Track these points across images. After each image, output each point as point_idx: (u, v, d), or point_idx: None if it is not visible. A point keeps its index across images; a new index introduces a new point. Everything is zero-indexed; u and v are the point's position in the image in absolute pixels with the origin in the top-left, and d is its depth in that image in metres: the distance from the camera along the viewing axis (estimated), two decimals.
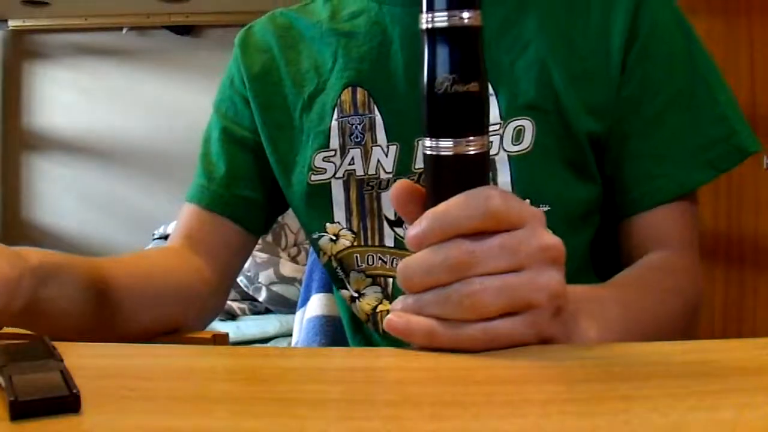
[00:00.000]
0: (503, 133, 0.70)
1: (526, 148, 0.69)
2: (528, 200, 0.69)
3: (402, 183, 0.48)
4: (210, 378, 0.43)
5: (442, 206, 0.45)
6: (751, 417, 0.34)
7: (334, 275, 0.79)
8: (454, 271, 0.44)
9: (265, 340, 1.93)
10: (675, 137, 0.71)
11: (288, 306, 2.15)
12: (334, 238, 0.76)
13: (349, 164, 0.74)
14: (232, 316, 2.09)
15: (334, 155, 0.75)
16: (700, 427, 0.33)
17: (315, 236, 0.78)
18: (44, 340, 0.42)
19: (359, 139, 0.74)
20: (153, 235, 2.43)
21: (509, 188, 0.69)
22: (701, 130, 0.71)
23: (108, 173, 2.72)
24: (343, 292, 0.79)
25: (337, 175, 0.75)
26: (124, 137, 2.70)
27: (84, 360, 0.44)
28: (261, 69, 0.81)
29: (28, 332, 0.53)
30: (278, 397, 0.40)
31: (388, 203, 0.73)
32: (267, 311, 2.20)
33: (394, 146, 0.73)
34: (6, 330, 0.52)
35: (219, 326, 2.01)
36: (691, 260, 0.71)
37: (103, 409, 0.36)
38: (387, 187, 0.73)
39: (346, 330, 0.86)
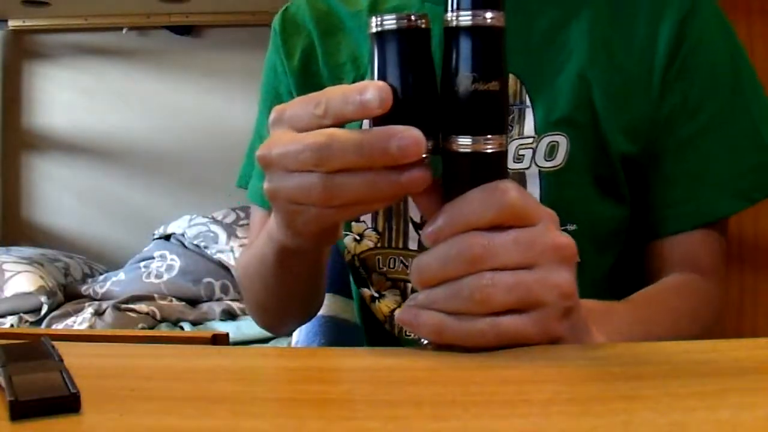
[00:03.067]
0: (536, 147, 0.68)
1: (558, 165, 0.67)
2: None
3: (418, 175, 0.48)
4: (210, 378, 0.43)
5: (458, 201, 0.45)
6: (751, 417, 0.34)
7: (357, 274, 0.78)
8: (467, 264, 0.44)
9: (265, 340, 1.93)
10: (708, 162, 0.68)
11: None
12: (358, 238, 0.75)
13: None
14: (232, 316, 2.08)
15: None
16: (700, 427, 0.33)
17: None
18: (44, 340, 0.42)
19: None
20: (153, 235, 2.43)
21: None
22: (737, 157, 0.69)
23: (108, 173, 2.72)
24: (364, 290, 0.78)
25: None
26: (124, 137, 2.70)
27: (84, 360, 0.44)
28: (301, 58, 0.77)
29: (28, 332, 0.53)
30: (278, 397, 0.40)
31: (415, 205, 0.72)
32: None
33: None
34: (6, 330, 0.52)
35: (219, 326, 2.01)
36: (712, 286, 0.69)
37: (103, 409, 0.36)
38: None
39: (363, 328, 0.85)
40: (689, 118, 0.68)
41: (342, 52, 0.75)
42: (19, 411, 0.34)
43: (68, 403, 0.35)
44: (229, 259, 2.16)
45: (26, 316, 2.03)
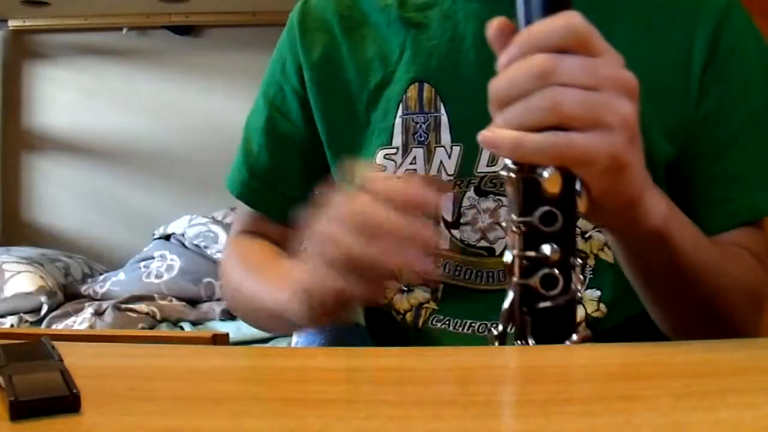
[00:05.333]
0: None
1: None
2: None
3: (498, 21, 0.51)
4: (210, 378, 0.43)
5: (528, 28, 0.48)
6: (751, 417, 0.34)
7: None
8: (535, 78, 0.46)
9: (265, 340, 1.93)
10: (747, 162, 0.70)
11: None
12: None
13: (411, 164, 0.72)
14: (232, 316, 2.08)
15: (396, 153, 0.73)
16: (700, 427, 0.33)
17: None
18: (44, 340, 0.42)
19: (423, 139, 0.72)
20: (153, 235, 2.42)
21: None
22: None
23: (108, 173, 2.71)
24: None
25: (397, 174, 0.73)
26: (124, 137, 2.70)
27: (84, 360, 0.44)
28: (322, 53, 0.76)
29: (28, 332, 0.53)
30: (278, 397, 0.40)
31: (447, 205, 0.72)
32: None
33: (458, 147, 0.71)
34: (6, 330, 0.52)
35: (219, 326, 2.01)
36: (759, 265, 0.69)
37: (103, 409, 0.36)
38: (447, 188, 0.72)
39: (365, 322, 0.84)
40: (726, 120, 0.69)
41: (368, 47, 0.75)
42: (19, 411, 0.34)
43: (68, 403, 0.35)
44: None
45: (26, 316, 2.02)
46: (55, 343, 0.42)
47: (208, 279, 2.17)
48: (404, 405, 0.37)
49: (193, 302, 2.14)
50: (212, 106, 2.59)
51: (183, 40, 2.65)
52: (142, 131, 2.69)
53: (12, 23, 2.65)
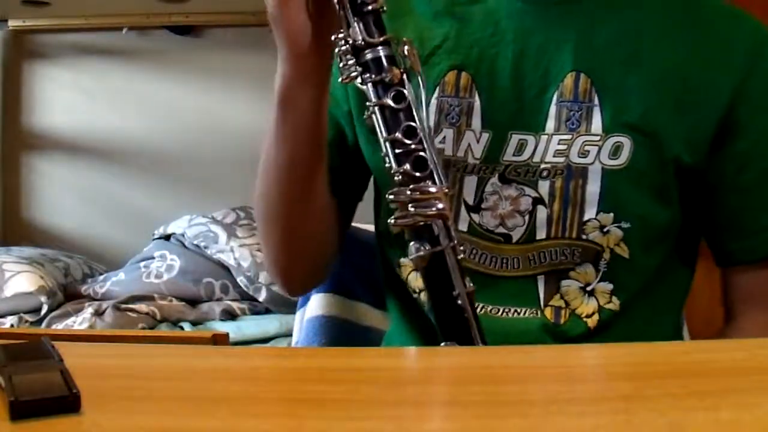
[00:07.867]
0: (602, 145, 0.72)
1: (621, 165, 0.71)
2: (612, 214, 0.72)
3: None
4: (210, 378, 0.43)
5: None
6: (751, 417, 0.34)
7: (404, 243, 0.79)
8: None
9: (265, 340, 1.93)
10: None
11: (288, 306, 2.14)
12: None
13: (440, 142, 0.75)
14: (232, 316, 2.08)
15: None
16: (700, 427, 0.33)
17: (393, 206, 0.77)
18: (44, 340, 0.42)
19: (454, 121, 0.75)
20: (153, 235, 2.42)
21: (596, 198, 0.72)
22: None
23: (108, 173, 2.71)
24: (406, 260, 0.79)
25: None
26: (124, 137, 2.69)
27: (84, 360, 0.44)
28: None
29: (28, 332, 0.53)
30: (278, 397, 0.40)
31: (470, 187, 0.74)
32: (267, 311, 2.19)
33: (487, 134, 0.74)
34: (6, 330, 0.52)
35: (219, 326, 2.01)
36: None
37: (103, 409, 0.36)
38: (472, 172, 0.74)
39: (391, 303, 0.85)
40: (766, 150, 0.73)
41: (408, 30, 0.78)
42: (19, 411, 0.34)
43: (68, 403, 0.35)
44: (228, 259, 2.16)
45: (26, 316, 2.02)
46: (55, 343, 0.42)
47: (208, 279, 2.17)
48: (404, 405, 0.37)
49: (193, 302, 2.14)
50: (212, 106, 2.59)
51: (183, 40, 2.65)
52: (142, 131, 2.69)
53: (12, 23, 2.65)
